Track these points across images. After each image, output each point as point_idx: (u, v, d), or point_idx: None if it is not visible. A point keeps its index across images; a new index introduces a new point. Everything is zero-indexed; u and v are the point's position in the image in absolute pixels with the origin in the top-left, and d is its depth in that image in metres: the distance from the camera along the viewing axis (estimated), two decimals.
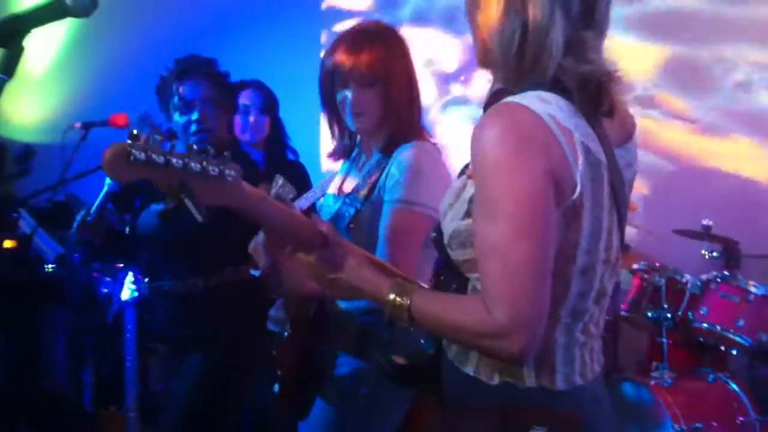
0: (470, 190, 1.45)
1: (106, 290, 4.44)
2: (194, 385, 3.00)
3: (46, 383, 4.88)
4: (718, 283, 4.09)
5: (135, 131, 1.28)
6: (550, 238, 1.35)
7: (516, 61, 1.41)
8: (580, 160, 1.35)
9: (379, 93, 2.21)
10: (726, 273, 4.14)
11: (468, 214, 1.45)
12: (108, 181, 3.06)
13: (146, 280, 3.09)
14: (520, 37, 1.39)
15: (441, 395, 1.62)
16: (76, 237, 3.12)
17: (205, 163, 1.35)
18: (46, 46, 5.74)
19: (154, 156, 1.28)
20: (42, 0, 1.45)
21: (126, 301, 3.83)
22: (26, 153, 3.12)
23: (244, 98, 3.70)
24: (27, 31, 1.42)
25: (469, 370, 1.52)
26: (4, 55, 1.42)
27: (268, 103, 3.77)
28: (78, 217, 3.13)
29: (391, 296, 1.49)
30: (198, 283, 2.96)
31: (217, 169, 1.36)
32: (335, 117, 2.33)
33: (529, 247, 1.32)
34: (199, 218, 1.34)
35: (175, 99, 2.91)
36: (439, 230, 1.56)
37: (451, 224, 1.49)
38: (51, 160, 3.66)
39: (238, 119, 3.64)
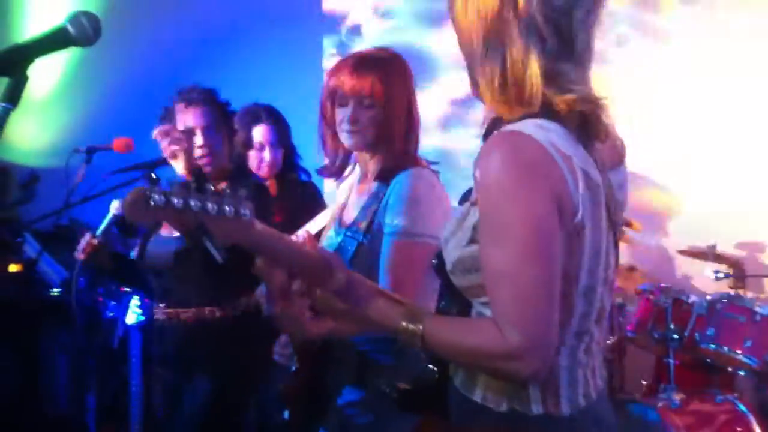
0: (474, 217, 1.46)
1: (111, 314, 4.44)
2: (201, 410, 3.00)
3: (49, 407, 4.87)
4: (725, 304, 4.07)
5: (153, 175, 1.34)
6: (558, 261, 1.38)
7: (501, 95, 1.45)
8: (580, 184, 1.39)
9: (376, 115, 2.25)
10: (732, 293, 4.13)
11: (472, 240, 1.46)
12: (114, 205, 3.06)
13: (161, 305, 3.08)
14: (500, 72, 1.43)
15: (446, 419, 1.62)
16: (81, 262, 3.12)
17: (221, 203, 1.40)
18: (49, 71, 5.77)
19: (173, 199, 1.34)
20: (45, 29, 1.46)
21: (131, 326, 3.83)
22: (31, 179, 3.13)
23: (258, 135, 3.67)
24: (31, 60, 1.43)
25: (477, 396, 1.52)
26: (8, 85, 1.43)
27: (282, 137, 3.75)
28: (82, 242, 3.13)
29: (404, 324, 1.50)
30: (214, 312, 2.99)
31: (233, 209, 1.41)
32: (330, 134, 2.36)
33: (538, 270, 1.36)
34: (219, 259, 1.38)
35: (179, 127, 2.98)
36: (440, 257, 1.58)
37: (454, 251, 1.51)
38: (55, 183, 3.66)
39: (252, 154, 3.64)
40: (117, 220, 3.12)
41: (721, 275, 4.25)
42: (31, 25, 5.80)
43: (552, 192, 1.36)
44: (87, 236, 3.13)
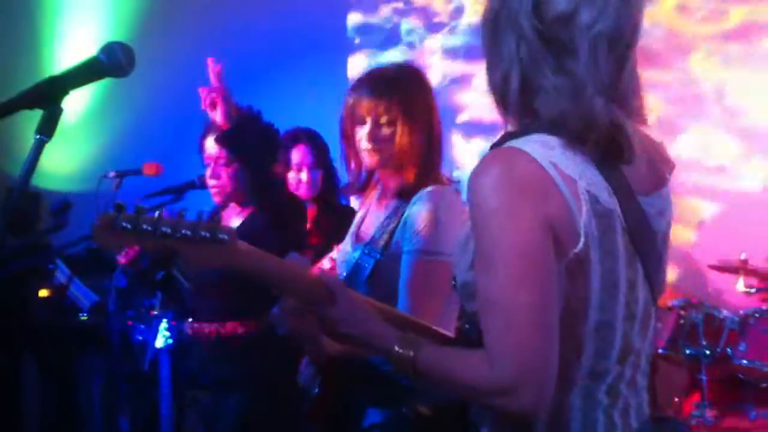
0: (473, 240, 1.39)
1: (140, 338, 4.46)
2: (233, 428, 3.01)
3: (81, 430, 4.89)
4: (757, 319, 4.03)
5: (120, 202, 1.31)
6: (551, 289, 1.27)
7: (514, 106, 1.37)
8: (584, 209, 1.29)
9: (395, 134, 2.22)
10: (764, 308, 4.09)
11: (473, 265, 1.38)
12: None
13: (189, 320, 3.10)
14: (517, 83, 1.36)
15: None
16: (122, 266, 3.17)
17: (196, 227, 1.36)
18: (79, 97, 5.83)
19: (142, 225, 1.31)
20: (79, 61, 1.48)
21: (161, 349, 3.84)
22: (63, 206, 3.14)
23: (296, 156, 3.68)
24: (66, 92, 1.45)
25: (485, 431, 1.47)
26: (43, 116, 1.44)
27: (321, 158, 3.74)
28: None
29: (396, 349, 1.43)
30: (237, 327, 3.00)
31: (208, 233, 1.36)
32: (352, 152, 2.34)
33: (527, 298, 1.25)
34: (187, 286, 1.37)
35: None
36: (455, 279, 1.51)
37: (460, 275, 1.45)
38: (85, 208, 3.69)
39: (291, 175, 3.65)
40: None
41: (752, 289, 4.21)
42: (62, 57, 5.88)
43: (546, 216, 1.26)
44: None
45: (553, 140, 1.32)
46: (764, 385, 4.07)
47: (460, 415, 1.57)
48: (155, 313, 4.25)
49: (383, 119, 2.22)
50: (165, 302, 3.98)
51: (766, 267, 4.27)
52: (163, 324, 3.86)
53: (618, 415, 1.41)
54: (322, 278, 1.55)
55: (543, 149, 1.30)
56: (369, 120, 2.23)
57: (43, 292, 4.53)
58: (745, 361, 3.99)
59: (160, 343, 3.85)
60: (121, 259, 3.13)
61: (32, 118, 1.46)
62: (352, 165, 2.38)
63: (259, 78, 5.74)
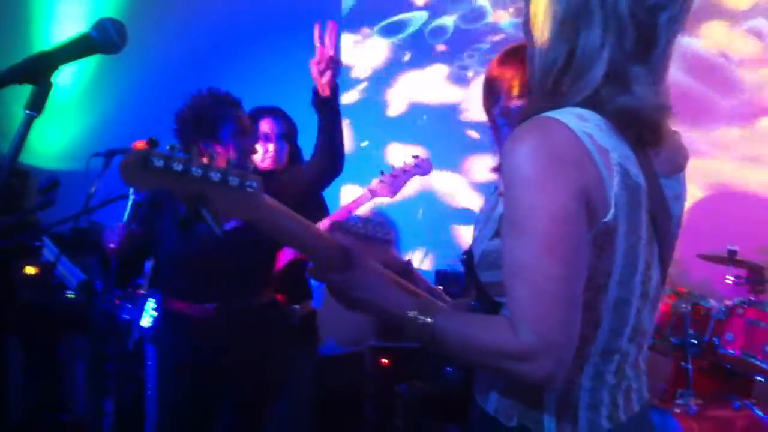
0: (501, 209, 1.39)
1: (127, 317, 4.44)
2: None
3: (66, 412, 4.88)
4: (744, 309, 4.04)
5: (154, 138, 1.26)
6: (581, 259, 1.29)
7: (552, 86, 1.38)
8: (616, 180, 1.30)
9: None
10: (752, 298, 4.10)
11: (497, 233, 1.40)
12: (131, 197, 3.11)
13: (183, 301, 3.10)
14: (562, 64, 1.37)
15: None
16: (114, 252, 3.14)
17: (226, 173, 1.32)
18: (69, 75, 5.79)
19: (173, 164, 1.27)
20: (70, 36, 1.46)
21: (146, 329, 3.83)
22: (51, 184, 3.12)
23: (264, 126, 3.69)
24: (56, 67, 1.43)
25: (490, 408, 1.47)
26: (33, 92, 1.42)
27: (288, 131, 3.76)
28: (111, 232, 3.14)
29: (413, 314, 1.42)
30: (239, 304, 3.05)
31: (237, 180, 1.33)
32: (494, 127, 2.33)
33: (557, 265, 1.26)
34: (217, 230, 1.32)
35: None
36: (470, 252, 1.52)
37: (480, 244, 1.45)
38: (74, 187, 3.67)
39: (257, 146, 3.64)
40: (138, 204, 3.14)
41: (741, 280, 4.23)
42: (54, 32, 5.84)
43: (580, 184, 1.27)
44: (119, 226, 3.14)
45: (586, 113, 1.33)
46: (750, 375, 4.09)
47: (462, 396, 1.57)
48: (142, 292, 4.24)
49: (514, 91, 2.21)
50: (152, 281, 3.97)
51: (754, 258, 4.28)
52: (150, 303, 3.85)
53: (621, 396, 1.43)
54: (340, 244, 1.52)
55: (578, 120, 1.31)
56: (502, 94, 2.22)
57: (30, 270, 4.51)
58: (731, 351, 4.00)
59: (146, 322, 3.84)
60: (111, 245, 3.10)
61: (21, 94, 1.44)
62: (496, 142, 2.34)
63: (249, 56, 5.72)
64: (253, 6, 5.90)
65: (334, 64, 2.89)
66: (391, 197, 3.75)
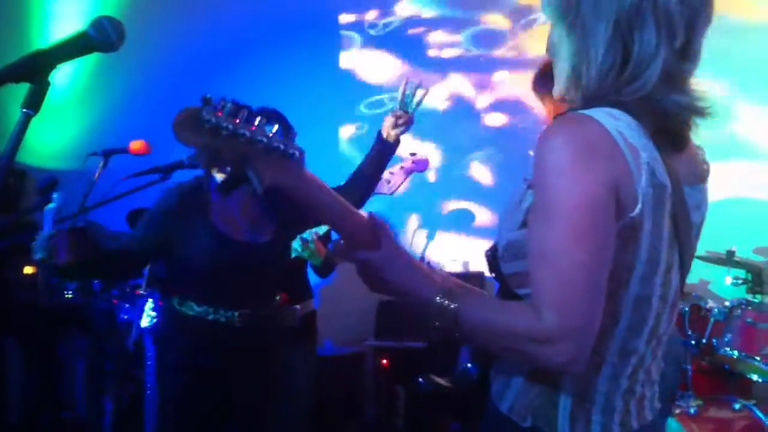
0: (529, 200, 1.41)
1: (125, 317, 4.44)
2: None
3: (65, 410, 4.88)
4: (743, 310, 4.03)
5: (208, 96, 1.29)
6: (607, 249, 1.30)
7: (604, 88, 1.40)
8: (644, 177, 1.32)
9: None
10: (751, 299, 4.10)
11: (524, 224, 1.41)
12: None
13: (204, 307, 3.09)
14: (619, 66, 1.38)
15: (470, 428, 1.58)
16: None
17: (271, 138, 1.36)
18: (66, 75, 5.79)
19: (223, 122, 1.30)
20: (68, 35, 1.45)
21: (145, 329, 3.83)
22: (49, 183, 3.12)
23: None
24: (54, 66, 1.42)
25: (504, 407, 1.48)
26: (30, 90, 1.42)
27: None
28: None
29: (438, 299, 1.41)
30: (256, 312, 3.05)
31: (282, 145, 1.36)
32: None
33: (583, 253, 1.27)
34: (260, 189, 1.36)
35: None
36: (494, 247, 1.53)
37: (506, 235, 1.45)
38: (72, 186, 3.66)
39: None
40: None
41: (739, 281, 4.22)
42: (52, 30, 5.84)
43: (611, 176, 1.29)
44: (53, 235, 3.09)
45: (617, 113, 1.36)
46: (748, 376, 4.09)
47: (476, 395, 1.58)
48: (141, 292, 4.23)
49: None
50: (151, 281, 3.97)
51: (753, 259, 4.28)
52: (149, 303, 3.85)
53: (634, 403, 1.44)
54: (371, 221, 1.51)
55: (610, 118, 1.33)
56: None
57: (28, 270, 4.50)
58: (730, 352, 3.99)
59: (145, 322, 3.84)
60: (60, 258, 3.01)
61: (18, 93, 1.43)
62: None
63: (247, 57, 5.72)
64: (251, 7, 5.89)
65: (410, 123, 3.10)
66: (390, 194, 3.76)
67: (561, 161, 1.29)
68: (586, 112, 1.35)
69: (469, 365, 1.61)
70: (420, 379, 1.68)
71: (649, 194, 1.32)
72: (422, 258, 2.04)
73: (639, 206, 1.31)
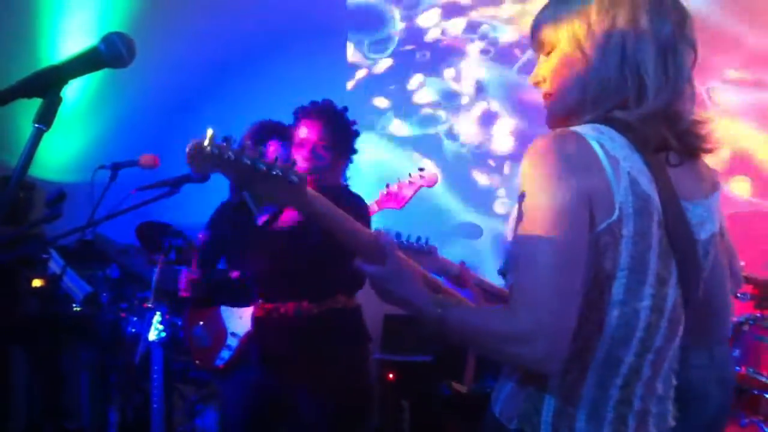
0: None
1: (133, 330, 4.45)
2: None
3: (70, 422, 4.88)
4: (750, 326, 4.02)
5: (212, 130, 1.45)
6: (578, 253, 1.37)
7: (609, 106, 1.48)
8: (623, 185, 1.39)
9: None
10: (757, 315, 4.08)
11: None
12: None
13: (260, 301, 3.14)
14: (638, 85, 1.46)
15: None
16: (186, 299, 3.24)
17: (271, 166, 1.50)
18: (76, 87, 5.81)
19: (226, 153, 1.46)
20: (79, 50, 1.46)
21: (153, 342, 3.83)
22: (58, 196, 3.13)
23: (272, 146, 3.69)
24: (65, 81, 1.43)
25: (497, 410, 1.54)
26: (42, 106, 1.43)
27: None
28: (181, 278, 3.27)
29: (427, 307, 1.53)
30: (312, 308, 3.10)
31: (280, 171, 1.51)
32: None
33: (553, 253, 1.34)
34: (254, 211, 1.54)
35: None
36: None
37: (506, 248, 1.57)
38: (80, 199, 3.67)
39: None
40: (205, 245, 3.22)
41: (746, 296, 4.20)
42: (61, 46, 5.87)
43: (586, 186, 1.37)
44: (184, 273, 3.24)
45: (604, 128, 1.45)
46: (756, 392, 4.07)
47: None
48: (148, 305, 4.24)
49: None
50: (158, 295, 3.97)
51: (761, 274, 4.26)
52: (157, 317, 3.85)
53: (633, 418, 1.46)
54: (378, 237, 1.64)
55: (593, 132, 1.43)
56: None
57: (37, 282, 4.52)
58: (737, 368, 3.98)
59: (153, 336, 3.84)
60: (183, 293, 3.19)
61: (30, 107, 1.45)
62: None
63: (254, 71, 5.73)
64: (258, 21, 5.91)
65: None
66: (398, 209, 3.77)
67: (538, 171, 1.38)
68: (572, 127, 1.44)
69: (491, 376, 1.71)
70: (443, 385, 1.76)
71: (628, 203, 1.39)
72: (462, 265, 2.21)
73: (617, 212, 1.38)
